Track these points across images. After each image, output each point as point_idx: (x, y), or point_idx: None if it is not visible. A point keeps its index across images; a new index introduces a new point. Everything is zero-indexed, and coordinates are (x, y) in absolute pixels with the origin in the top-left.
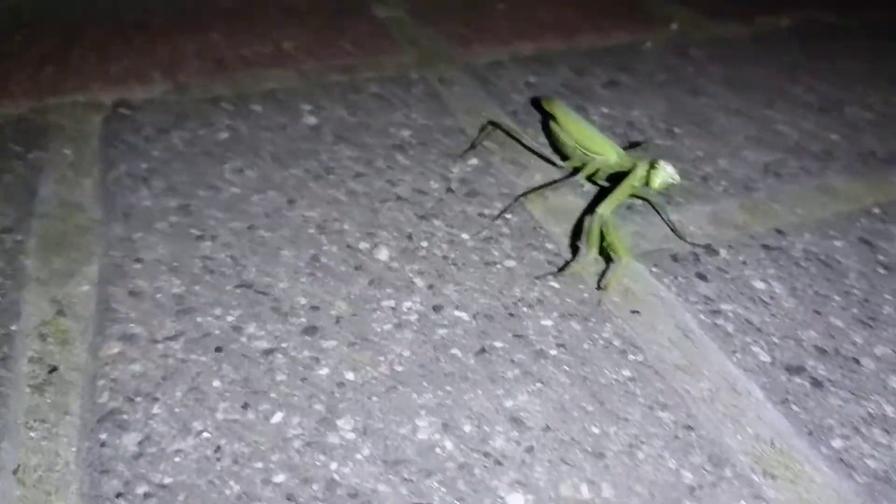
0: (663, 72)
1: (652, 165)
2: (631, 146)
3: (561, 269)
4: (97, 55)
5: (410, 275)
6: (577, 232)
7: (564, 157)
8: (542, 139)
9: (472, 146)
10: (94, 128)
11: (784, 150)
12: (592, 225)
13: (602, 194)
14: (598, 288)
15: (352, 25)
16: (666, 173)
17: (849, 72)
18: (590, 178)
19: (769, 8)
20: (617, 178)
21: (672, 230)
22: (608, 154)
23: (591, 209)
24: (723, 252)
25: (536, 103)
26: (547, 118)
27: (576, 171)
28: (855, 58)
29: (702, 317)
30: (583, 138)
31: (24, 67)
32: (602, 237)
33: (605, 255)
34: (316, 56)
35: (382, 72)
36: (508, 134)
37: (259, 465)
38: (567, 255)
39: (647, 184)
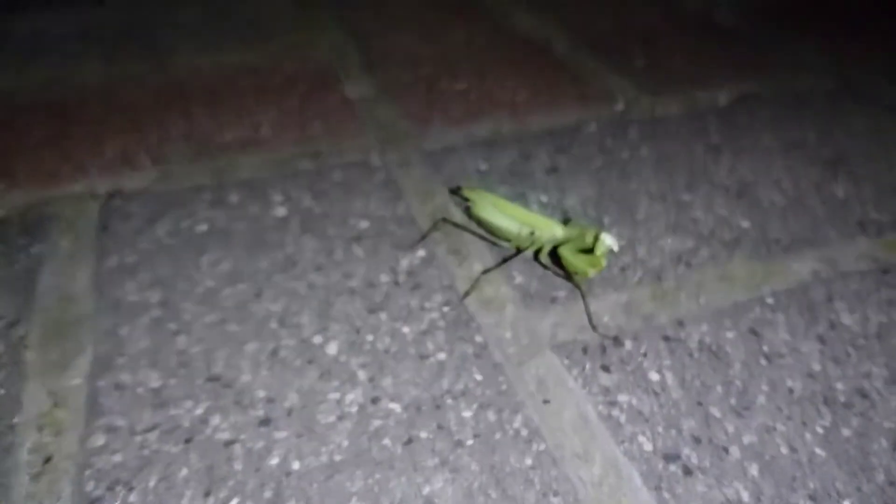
0: (600, 155)
1: (596, 237)
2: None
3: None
4: (92, 138)
5: (355, 368)
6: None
7: (505, 240)
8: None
9: (422, 239)
10: (91, 218)
11: (697, 238)
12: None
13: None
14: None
15: (322, 105)
16: (609, 243)
17: (769, 150)
18: (536, 256)
19: (710, 82)
20: (555, 250)
21: (589, 320)
22: (552, 230)
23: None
24: (628, 343)
25: (456, 192)
26: (467, 206)
27: (519, 250)
28: (778, 132)
29: (600, 407)
30: (524, 217)
31: (27, 154)
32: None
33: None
34: (287, 140)
35: (347, 157)
36: (458, 226)
37: None
38: (494, 347)
39: (591, 250)
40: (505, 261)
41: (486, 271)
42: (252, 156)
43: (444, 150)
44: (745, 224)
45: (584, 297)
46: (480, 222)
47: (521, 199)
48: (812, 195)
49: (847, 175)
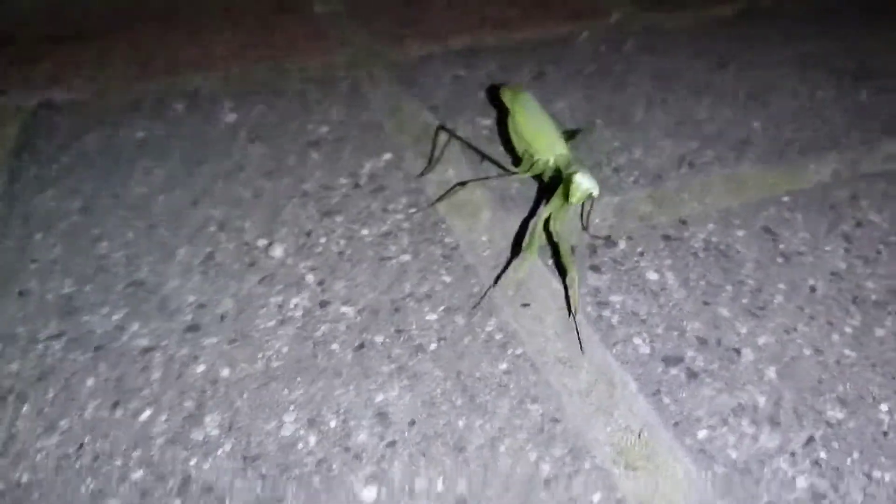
0: (593, 64)
1: (568, 180)
2: (571, 135)
3: (497, 280)
4: (25, 60)
5: (303, 271)
6: (518, 237)
7: (516, 160)
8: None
9: (430, 162)
10: (11, 132)
11: (701, 140)
12: (533, 231)
13: (541, 195)
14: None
15: (287, 24)
16: (583, 188)
17: (781, 61)
18: (537, 180)
19: None
20: (557, 180)
21: (581, 221)
22: (547, 155)
23: (533, 213)
24: (622, 243)
25: (495, 92)
26: (504, 112)
27: (528, 177)
28: (789, 45)
29: (589, 309)
30: (530, 135)
31: None
32: (555, 249)
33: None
34: (244, 57)
35: (310, 72)
36: (459, 139)
37: (118, 462)
38: (464, 248)
39: (566, 199)
40: (495, 175)
41: (462, 183)
42: (203, 71)
43: (418, 60)
44: (756, 125)
45: (574, 282)
46: (503, 132)
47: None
48: (831, 102)
49: (870, 85)
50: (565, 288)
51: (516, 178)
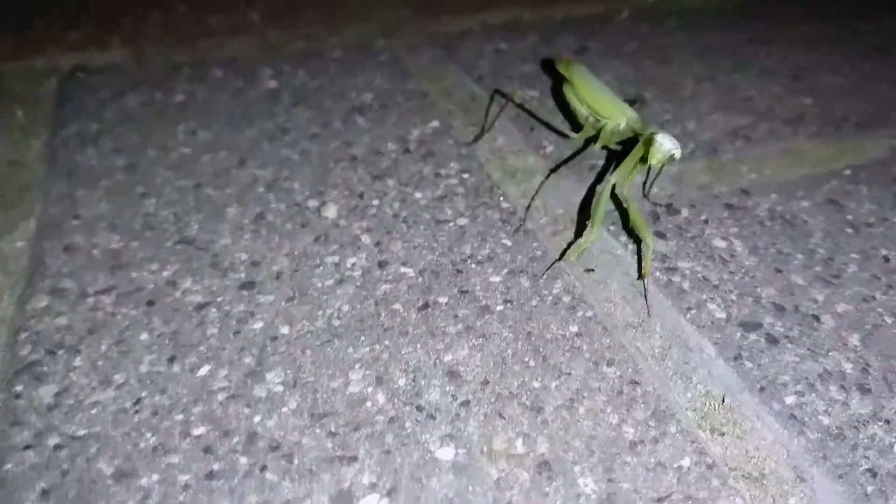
0: (634, 40)
1: (650, 140)
2: (630, 102)
3: (563, 253)
4: (59, 23)
5: (358, 232)
6: (584, 208)
7: (576, 126)
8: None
9: (483, 129)
10: (50, 91)
11: (753, 115)
12: (600, 198)
13: (612, 162)
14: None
15: None
16: (665, 149)
17: (822, 38)
18: (604, 146)
19: None
20: (628, 144)
21: (643, 189)
22: (618, 119)
23: (600, 179)
24: (684, 211)
25: (550, 65)
26: (560, 81)
27: (586, 142)
28: (828, 26)
29: (657, 274)
30: (593, 102)
31: None
32: (626, 216)
33: (632, 234)
34: (280, 25)
35: (347, 40)
36: (516, 104)
37: (179, 417)
38: (521, 213)
39: (646, 160)
40: (569, 158)
41: (553, 169)
42: (239, 37)
43: (455, 35)
44: (808, 101)
45: (649, 247)
46: (562, 101)
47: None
48: (876, 79)
49: None
50: (639, 252)
51: (571, 143)
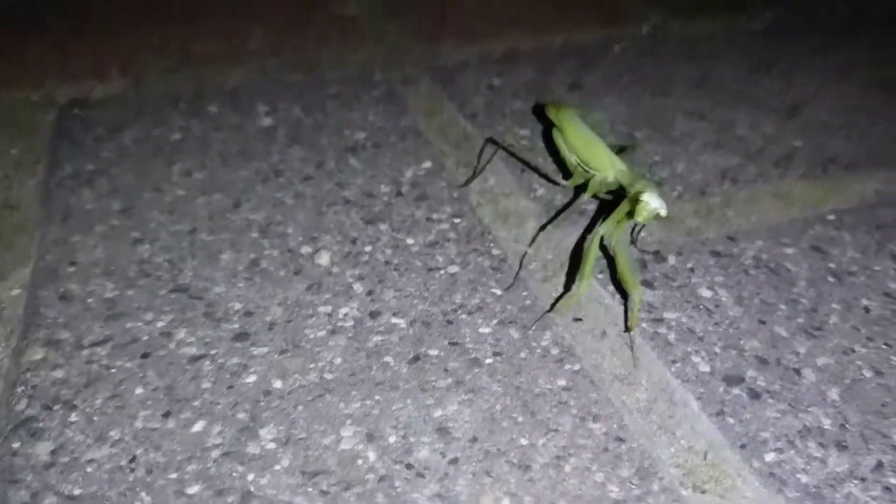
0: (629, 73)
1: (636, 199)
2: (620, 150)
3: (553, 305)
4: (57, 50)
5: (350, 280)
6: (574, 256)
7: (566, 172)
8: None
9: (474, 172)
10: (46, 126)
11: (743, 156)
12: (589, 250)
13: (602, 211)
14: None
15: (320, 19)
16: (651, 208)
17: (817, 70)
18: (593, 195)
19: (741, 8)
20: (618, 193)
21: (631, 236)
22: (606, 171)
23: (590, 228)
24: (671, 259)
25: (540, 109)
26: (549, 126)
27: (577, 190)
28: (826, 58)
29: (644, 325)
30: (583, 152)
31: None
32: (614, 267)
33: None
34: (278, 53)
35: (344, 72)
36: (508, 151)
37: (174, 475)
38: (512, 259)
39: (633, 215)
40: (559, 213)
41: (544, 225)
42: (237, 68)
43: (453, 67)
44: (798, 143)
45: (636, 300)
46: (552, 147)
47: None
48: (872, 116)
49: None
50: (625, 304)
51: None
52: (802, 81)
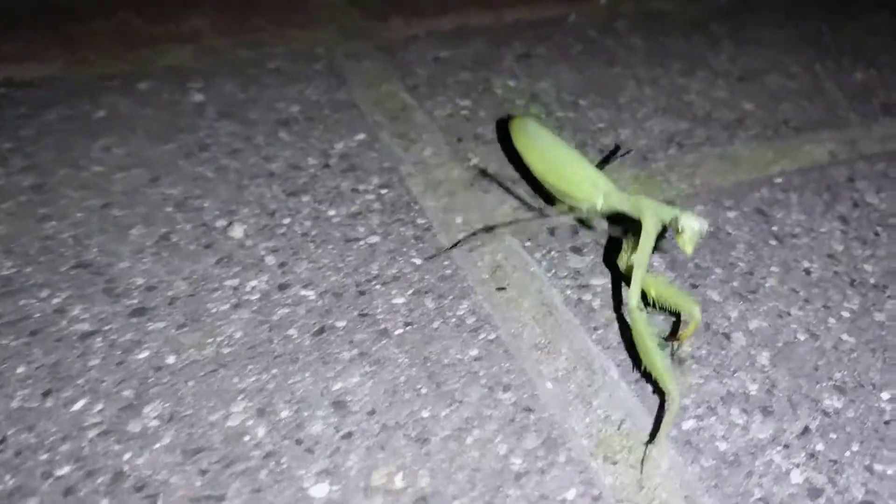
0: (581, 44)
1: (678, 229)
2: (604, 161)
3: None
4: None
5: (263, 252)
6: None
7: (546, 196)
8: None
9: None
10: None
11: (692, 120)
12: (646, 347)
13: (613, 249)
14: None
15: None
16: (696, 230)
17: (777, 41)
18: (584, 223)
19: None
20: (617, 218)
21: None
22: (592, 198)
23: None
24: (603, 223)
25: (504, 125)
26: (510, 145)
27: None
28: (786, 27)
29: (568, 292)
30: (555, 176)
31: None
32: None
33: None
34: (226, 33)
35: (288, 48)
36: (487, 175)
37: (44, 456)
38: (437, 229)
39: (660, 243)
40: (532, 218)
41: (489, 228)
42: (180, 48)
43: (401, 41)
44: (749, 106)
45: (675, 402)
46: (520, 167)
47: (485, 82)
48: (827, 82)
49: (867, 64)
50: (660, 408)
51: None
52: (758, 52)
